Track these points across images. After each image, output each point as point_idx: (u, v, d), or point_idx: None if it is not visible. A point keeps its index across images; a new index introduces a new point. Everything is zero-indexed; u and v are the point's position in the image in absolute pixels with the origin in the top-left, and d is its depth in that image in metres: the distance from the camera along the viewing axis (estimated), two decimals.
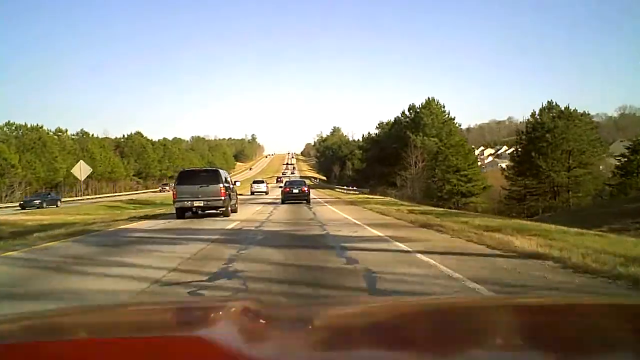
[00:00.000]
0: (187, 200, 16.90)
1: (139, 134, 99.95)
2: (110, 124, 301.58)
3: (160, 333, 1.36)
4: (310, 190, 30.82)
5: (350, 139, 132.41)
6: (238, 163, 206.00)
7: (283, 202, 27.36)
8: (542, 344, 1.12)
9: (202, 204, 16.93)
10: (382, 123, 73.59)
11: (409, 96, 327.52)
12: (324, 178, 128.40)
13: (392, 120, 68.82)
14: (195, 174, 18.25)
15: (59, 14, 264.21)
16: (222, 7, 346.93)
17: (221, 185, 17.07)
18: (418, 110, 59.53)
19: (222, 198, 16.90)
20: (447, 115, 57.89)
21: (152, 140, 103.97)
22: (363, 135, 78.71)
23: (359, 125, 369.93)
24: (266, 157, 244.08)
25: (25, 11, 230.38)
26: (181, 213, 17.21)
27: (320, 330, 1.42)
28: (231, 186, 19.17)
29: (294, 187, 29.04)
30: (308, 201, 27.72)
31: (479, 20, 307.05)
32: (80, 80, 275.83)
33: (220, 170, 18.84)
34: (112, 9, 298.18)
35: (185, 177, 17.73)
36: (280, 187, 35.35)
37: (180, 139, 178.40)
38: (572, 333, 1.26)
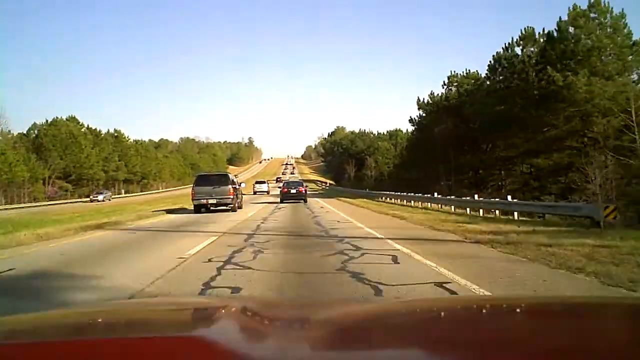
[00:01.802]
0: (203, 199, 20.08)
1: (73, 119, 67.35)
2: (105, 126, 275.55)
3: (160, 333, 1.31)
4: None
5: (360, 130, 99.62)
6: (231, 167, 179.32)
7: (281, 202, 27.62)
8: (542, 343, 1.09)
9: (215, 202, 20.20)
10: (456, 75, 38.43)
11: (411, 97, 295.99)
12: (332, 182, 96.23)
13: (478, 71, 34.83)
14: (209, 177, 21.80)
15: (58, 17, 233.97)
16: (220, 8, 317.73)
17: (230, 186, 20.60)
18: (555, 33, 26.62)
19: (231, 197, 20.33)
20: (630, 32, 25.29)
21: (94, 129, 71.42)
22: (419, 100, 43.16)
23: (363, 126, 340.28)
24: (260, 162, 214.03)
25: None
26: (198, 209, 20.26)
27: (320, 330, 1.36)
28: (237, 187, 22.40)
29: (291, 188, 29.43)
30: (305, 200, 28.01)
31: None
32: (77, 79, 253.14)
33: (229, 174, 23.82)
34: (110, 11, 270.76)
35: (201, 180, 21.10)
36: (279, 187, 35.62)
37: (167, 140, 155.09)
38: (572, 333, 1.23)
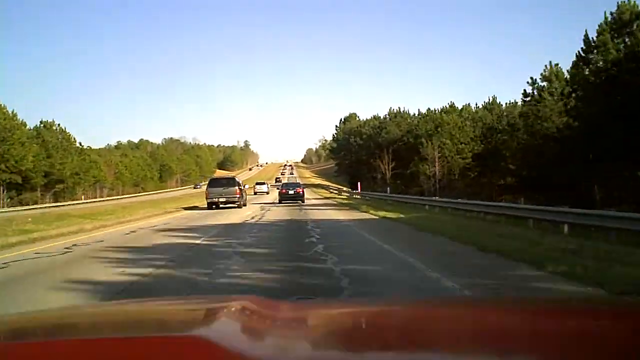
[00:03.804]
0: (215, 197, 23.96)
1: None
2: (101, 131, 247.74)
3: (160, 333, 1.29)
4: None
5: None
6: (219, 171, 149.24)
7: (280, 202, 28.23)
8: (542, 343, 1.08)
9: (224, 200, 23.94)
10: None
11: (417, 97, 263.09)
12: (341, 186, 61.76)
13: None
14: (220, 180, 26.28)
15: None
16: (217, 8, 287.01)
17: (237, 187, 24.41)
18: None
19: (238, 196, 24.08)
20: None
21: None
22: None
23: None
24: (250, 169, 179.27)
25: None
26: (210, 206, 24.09)
27: (320, 330, 1.35)
28: (242, 188, 26.54)
29: (289, 189, 29.88)
30: (303, 201, 28.71)
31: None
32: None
33: (236, 178, 26.94)
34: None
35: (213, 182, 25.62)
36: (278, 188, 36.30)
37: (147, 140, 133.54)
38: (571, 333, 1.22)
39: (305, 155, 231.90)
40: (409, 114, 62.61)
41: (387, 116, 62.82)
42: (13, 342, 1.13)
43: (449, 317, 1.50)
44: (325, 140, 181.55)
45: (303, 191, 30.11)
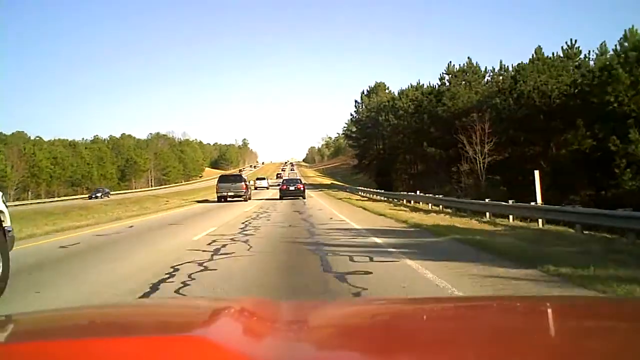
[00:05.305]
0: (224, 192, 27.16)
1: None
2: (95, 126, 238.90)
3: (160, 333, 1.28)
4: None
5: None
6: (212, 170, 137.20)
7: (281, 199, 28.55)
8: (542, 343, 1.08)
9: (232, 194, 27.11)
10: None
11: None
12: (360, 187, 38.04)
13: None
14: (228, 177, 30.50)
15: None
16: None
17: (243, 183, 27.91)
18: None
19: (244, 191, 27.37)
20: None
21: None
22: None
23: None
24: (241, 170, 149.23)
25: None
26: (220, 199, 27.06)
27: (320, 330, 1.35)
28: (248, 184, 29.49)
29: (290, 185, 30.83)
30: (303, 197, 28.99)
31: None
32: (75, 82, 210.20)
33: (243, 175, 33.30)
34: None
35: (223, 179, 28.86)
36: (279, 184, 36.78)
37: (130, 135, 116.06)
38: (571, 333, 1.21)
39: (307, 154, 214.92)
40: (480, 69, 38.32)
41: (446, 75, 38.58)
42: (13, 342, 1.10)
43: (449, 317, 1.48)
44: (330, 137, 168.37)
45: (304, 187, 30.76)
